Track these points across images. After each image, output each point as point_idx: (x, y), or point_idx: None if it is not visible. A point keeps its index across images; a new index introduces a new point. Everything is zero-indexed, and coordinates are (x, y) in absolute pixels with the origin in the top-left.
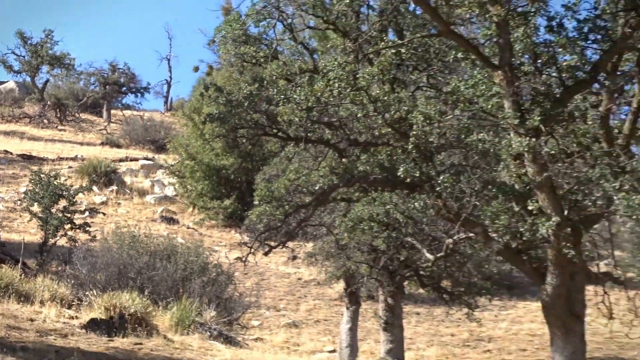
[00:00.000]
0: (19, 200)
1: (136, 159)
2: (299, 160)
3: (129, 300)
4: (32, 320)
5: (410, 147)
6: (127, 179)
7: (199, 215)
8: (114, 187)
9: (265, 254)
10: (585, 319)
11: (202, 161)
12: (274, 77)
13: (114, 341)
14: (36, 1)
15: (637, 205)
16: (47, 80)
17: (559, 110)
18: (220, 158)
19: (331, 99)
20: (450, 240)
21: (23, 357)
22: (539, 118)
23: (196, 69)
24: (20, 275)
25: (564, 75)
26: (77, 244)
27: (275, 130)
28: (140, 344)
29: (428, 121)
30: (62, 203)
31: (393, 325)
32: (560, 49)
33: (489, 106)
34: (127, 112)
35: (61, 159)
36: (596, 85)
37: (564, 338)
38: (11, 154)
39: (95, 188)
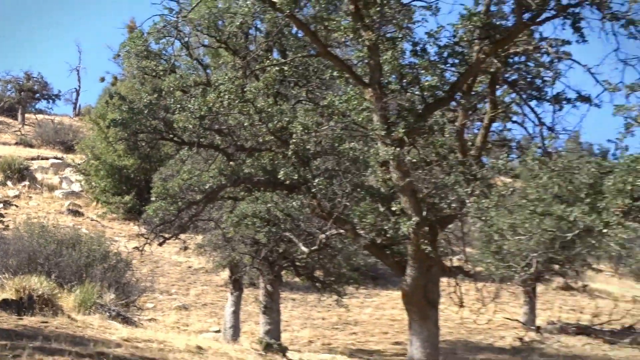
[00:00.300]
0: None
1: (47, 158)
2: (191, 163)
3: (37, 283)
4: None
5: (290, 153)
6: (39, 176)
7: (102, 209)
8: (26, 183)
9: (160, 244)
10: (440, 306)
11: (106, 161)
12: (172, 88)
13: (23, 319)
14: None
15: (486, 208)
16: None
17: (420, 124)
18: (122, 159)
19: (221, 109)
20: (323, 236)
21: None
22: (403, 130)
23: (102, 79)
24: None
25: (425, 93)
26: None
27: (171, 136)
28: (47, 322)
29: (306, 131)
30: None
31: (271, 309)
32: (423, 71)
33: (360, 119)
34: (40, 116)
35: None
36: (453, 103)
37: (421, 323)
38: None
39: (9, 183)
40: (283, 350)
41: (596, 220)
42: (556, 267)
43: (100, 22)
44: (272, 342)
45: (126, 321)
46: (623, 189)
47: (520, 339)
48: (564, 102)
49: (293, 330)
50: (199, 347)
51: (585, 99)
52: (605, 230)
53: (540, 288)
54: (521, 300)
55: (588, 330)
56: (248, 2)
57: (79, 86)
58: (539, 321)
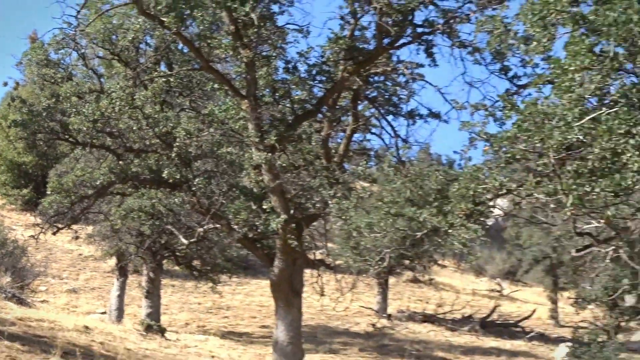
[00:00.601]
0: None
1: None
2: (85, 161)
3: None
4: None
5: (173, 155)
6: None
7: (2, 201)
8: None
9: (54, 233)
10: (303, 295)
11: (6, 157)
12: (68, 94)
13: None
14: None
15: (346, 208)
16: None
17: (290, 132)
18: (21, 156)
19: (113, 114)
20: (201, 229)
21: None
22: (274, 138)
23: (5, 84)
24: None
25: (295, 106)
26: None
27: (67, 136)
28: None
29: (188, 136)
30: None
31: (153, 294)
32: (293, 86)
33: (237, 127)
34: None
35: None
36: (320, 115)
37: (286, 309)
38: None
39: None
40: (162, 331)
41: (442, 222)
42: (406, 262)
43: (4, 32)
44: (153, 323)
45: (21, 302)
46: (466, 194)
47: (373, 325)
48: (417, 117)
49: (172, 314)
50: (86, 327)
51: (435, 115)
52: (450, 231)
53: (392, 280)
54: (375, 290)
55: (432, 319)
56: (139, 20)
57: None
58: (390, 309)
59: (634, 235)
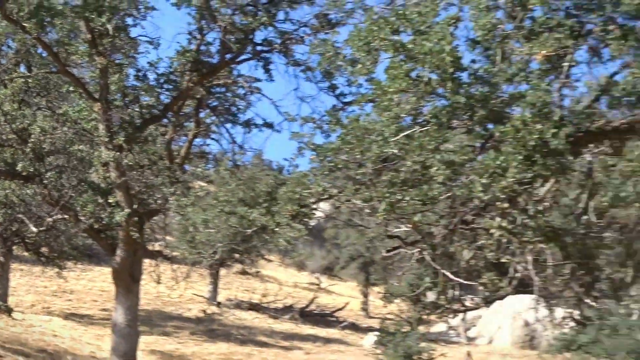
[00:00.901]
0: None
1: None
2: None
3: None
4: None
5: (28, 150)
6: None
7: None
8: None
9: None
10: (141, 282)
11: None
12: None
13: None
14: None
15: (184, 205)
16: None
17: (137, 134)
18: None
19: None
20: (50, 219)
21: None
22: (123, 139)
23: None
24: None
25: (143, 110)
26: None
27: None
28: None
29: (43, 133)
30: None
31: (2, 277)
32: (143, 92)
33: (89, 126)
34: None
35: None
36: (165, 120)
37: (125, 294)
38: None
39: None
40: (9, 311)
41: (270, 221)
42: (237, 255)
43: None
44: (0, 304)
45: None
46: (293, 197)
47: (204, 312)
48: (253, 126)
49: (19, 295)
50: None
51: (269, 125)
52: (277, 229)
53: (223, 271)
54: (207, 280)
55: (257, 307)
56: (2, 24)
57: None
58: (219, 298)
59: (437, 239)
